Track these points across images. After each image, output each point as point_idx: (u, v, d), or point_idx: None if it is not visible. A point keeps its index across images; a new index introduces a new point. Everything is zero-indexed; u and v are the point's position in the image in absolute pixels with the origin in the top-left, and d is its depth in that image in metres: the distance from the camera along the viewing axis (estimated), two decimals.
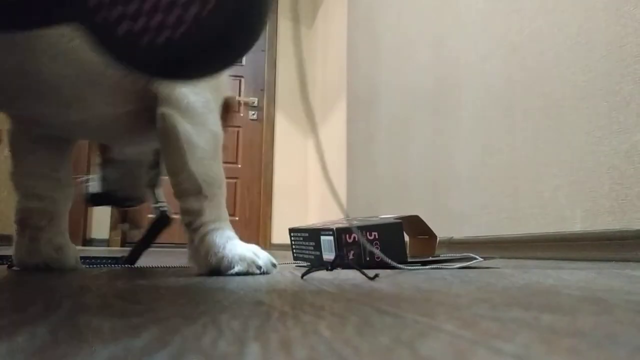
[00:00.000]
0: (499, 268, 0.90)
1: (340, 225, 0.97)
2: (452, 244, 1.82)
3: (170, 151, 0.74)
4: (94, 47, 0.45)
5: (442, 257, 1.07)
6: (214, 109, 0.77)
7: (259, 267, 0.73)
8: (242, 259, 0.72)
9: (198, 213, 0.74)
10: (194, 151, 0.72)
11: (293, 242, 1.14)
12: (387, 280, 0.62)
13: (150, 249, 1.00)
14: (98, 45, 0.44)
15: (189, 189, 0.73)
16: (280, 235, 3.97)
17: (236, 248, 0.73)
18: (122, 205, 0.99)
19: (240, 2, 0.43)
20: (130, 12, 0.42)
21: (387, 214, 1.11)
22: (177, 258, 1.39)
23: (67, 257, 0.82)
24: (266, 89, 4.16)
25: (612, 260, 1.16)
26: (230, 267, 0.72)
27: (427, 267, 0.90)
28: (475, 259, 0.99)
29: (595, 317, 0.33)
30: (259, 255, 0.74)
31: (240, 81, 4.13)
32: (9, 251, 0.84)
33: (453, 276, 0.69)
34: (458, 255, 1.09)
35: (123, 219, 1.10)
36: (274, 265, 0.76)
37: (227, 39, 0.44)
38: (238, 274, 0.71)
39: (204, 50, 0.43)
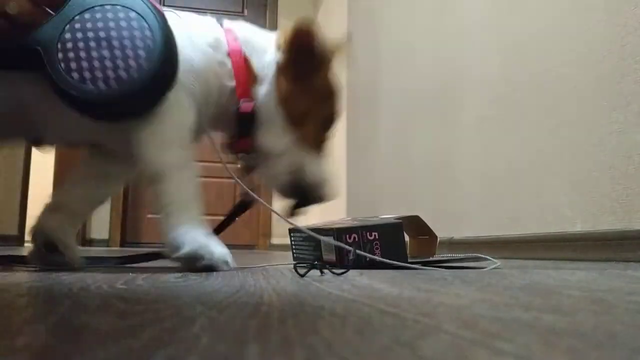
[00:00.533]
0: (499, 268, 0.90)
1: (340, 225, 0.97)
2: (452, 244, 1.82)
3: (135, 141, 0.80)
4: (52, 88, 0.70)
5: (455, 257, 1.06)
6: (175, 106, 0.81)
7: (204, 256, 0.75)
8: (193, 241, 0.76)
9: (161, 194, 0.78)
10: (153, 139, 0.79)
11: (293, 242, 1.14)
12: (387, 280, 0.62)
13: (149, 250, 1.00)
14: (55, 85, 0.70)
15: (153, 174, 0.79)
16: (280, 235, 3.97)
17: (191, 232, 0.77)
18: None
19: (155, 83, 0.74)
20: (83, 66, 0.70)
21: (387, 214, 1.11)
22: None
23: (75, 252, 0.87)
24: None
25: (612, 261, 1.16)
26: (181, 246, 0.75)
27: (460, 265, 0.90)
28: (494, 262, 0.98)
29: (595, 317, 0.33)
30: (214, 247, 0.77)
31: None
32: (8, 251, 0.84)
33: (453, 276, 0.69)
34: (471, 255, 1.08)
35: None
36: (226, 263, 0.77)
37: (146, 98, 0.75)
38: (188, 255, 0.75)
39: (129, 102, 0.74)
